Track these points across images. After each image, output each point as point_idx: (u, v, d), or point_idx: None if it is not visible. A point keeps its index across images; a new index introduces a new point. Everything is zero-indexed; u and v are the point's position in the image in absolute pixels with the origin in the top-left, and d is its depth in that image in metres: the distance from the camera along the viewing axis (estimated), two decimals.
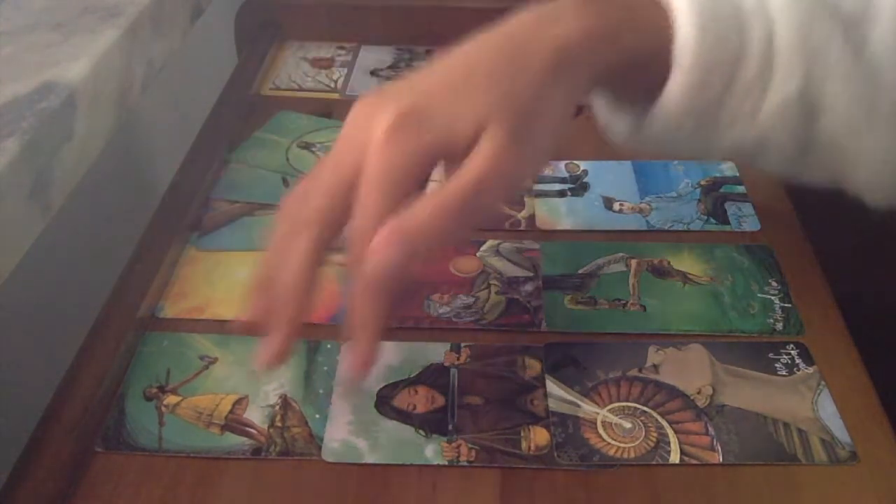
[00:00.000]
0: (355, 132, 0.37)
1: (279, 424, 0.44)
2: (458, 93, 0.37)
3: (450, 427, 0.44)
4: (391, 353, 0.47)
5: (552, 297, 0.51)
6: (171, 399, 0.45)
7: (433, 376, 0.46)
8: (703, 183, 0.60)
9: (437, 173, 0.38)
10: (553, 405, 0.45)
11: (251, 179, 0.60)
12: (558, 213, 0.57)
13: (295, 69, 0.74)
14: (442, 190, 0.36)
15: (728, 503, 0.41)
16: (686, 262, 0.53)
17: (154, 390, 0.45)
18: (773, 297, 0.51)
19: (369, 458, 0.42)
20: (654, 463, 0.42)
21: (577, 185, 0.60)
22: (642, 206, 0.58)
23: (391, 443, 0.43)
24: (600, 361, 0.47)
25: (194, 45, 0.69)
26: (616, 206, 0.58)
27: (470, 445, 0.43)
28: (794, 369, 0.46)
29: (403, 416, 0.44)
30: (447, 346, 0.48)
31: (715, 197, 0.59)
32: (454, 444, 0.43)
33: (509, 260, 0.53)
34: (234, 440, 0.43)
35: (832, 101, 0.40)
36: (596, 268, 0.53)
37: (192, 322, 0.50)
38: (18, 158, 0.40)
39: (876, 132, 0.41)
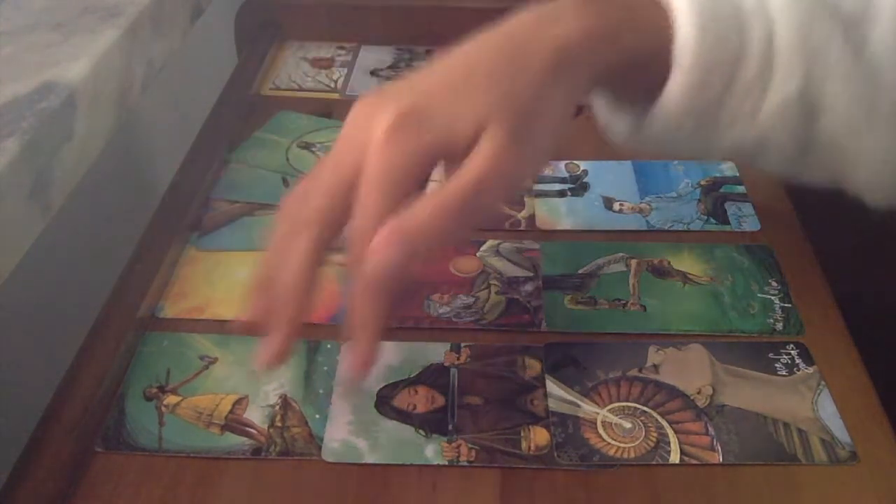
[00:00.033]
0: (355, 132, 0.37)
1: (279, 424, 0.44)
2: (458, 93, 0.37)
3: (450, 427, 0.44)
4: (391, 353, 0.47)
5: (552, 297, 0.51)
6: (171, 399, 0.45)
7: (433, 376, 0.46)
8: (703, 183, 0.60)
9: (437, 173, 0.38)
10: (553, 405, 0.45)
11: (251, 179, 0.60)
12: (558, 213, 0.57)
13: (295, 69, 0.74)
14: (442, 190, 0.36)
15: (728, 503, 0.41)
16: (686, 262, 0.53)
17: (154, 390, 0.45)
18: (773, 297, 0.51)
19: (369, 458, 0.42)
20: (654, 463, 0.42)
21: (577, 185, 0.60)
22: (642, 206, 0.58)
23: (391, 443, 0.43)
24: (600, 361, 0.47)
25: (194, 45, 0.69)
26: (616, 206, 0.58)
27: (470, 445, 0.43)
28: (794, 369, 0.46)
29: (403, 416, 0.44)
30: (447, 346, 0.48)
31: (715, 197, 0.59)
32: (454, 444, 0.43)
33: (509, 260, 0.53)
34: (234, 440, 0.43)
35: (832, 101, 0.40)
36: (596, 268, 0.53)
37: (192, 322, 0.50)
38: (18, 158, 0.40)
39: (876, 132, 0.41)
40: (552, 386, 0.45)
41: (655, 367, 0.47)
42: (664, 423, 0.44)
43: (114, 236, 0.58)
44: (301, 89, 0.71)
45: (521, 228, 0.56)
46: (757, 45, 0.40)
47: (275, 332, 0.37)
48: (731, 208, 0.58)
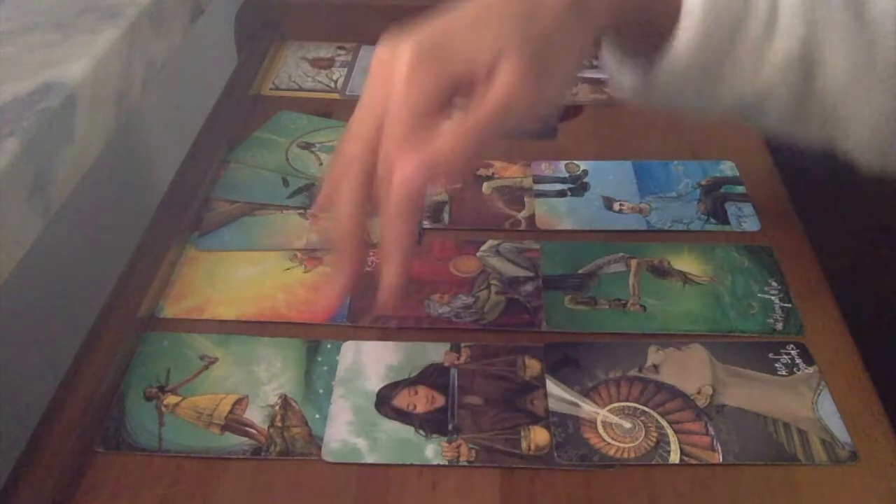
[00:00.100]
0: (381, 71, 0.39)
1: (279, 424, 0.44)
2: (477, 27, 0.39)
3: (450, 427, 0.43)
4: (391, 353, 0.47)
5: (552, 297, 0.51)
6: (171, 399, 0.45)
7: (433, 376, 0.46)
8: (703, 183, 0.60)
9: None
10: (553, 405, 0.44)
11: (251, 179, 0.61)
12: (558, 213, 0.57)
13: (295, 69, 0.74)
14: (466, 116, 0.38)
15: (728, 503, 0.41)
16: (686, 262, 0.53)
17: (154, 390, 0.45)
18: (773, 297, 0.51)
19: (369, 458, 0.42)
20: (653, 463, 0.42)
21: (577, 185, 0.60)
22: (642, 206, 0.58)
23: (391, 443, 0.43)
24: (600, 361, 0.47)
25: (194, 45, 0.69)
26: (616, 206, 0.58)
27: (470, 445, 0.43)
28: (794, 369, 0.46)
29: (403, 416, 0.44)
30: (447, 346, 0.48)
31: (715, 197, 0.59)
32: (454, 444, 0.43)
33: (509, 260, 0.53)
34: (234, 440, 0.43)
35: (831, 60, 0.42)
36: (596, 268, 0.53)
37: (192, 322, 0.50)
38: (18, 158, 0.40)
39: (871, 92, 0.43)
40: (552, 386, 0.45)
41: (655, 367, 0.47)
42: (664, 423, 0.43)
43: (114, 236, 0.58)
44: (301, 89, 0.71)
45: (521, 228, 0.56)
46: (762, 5, 0.42)
47: (338, 267, 0.41)
48: (731, 208, 0.58)
